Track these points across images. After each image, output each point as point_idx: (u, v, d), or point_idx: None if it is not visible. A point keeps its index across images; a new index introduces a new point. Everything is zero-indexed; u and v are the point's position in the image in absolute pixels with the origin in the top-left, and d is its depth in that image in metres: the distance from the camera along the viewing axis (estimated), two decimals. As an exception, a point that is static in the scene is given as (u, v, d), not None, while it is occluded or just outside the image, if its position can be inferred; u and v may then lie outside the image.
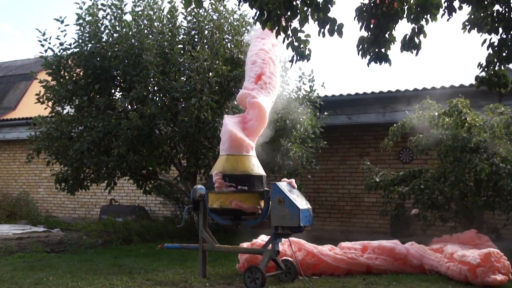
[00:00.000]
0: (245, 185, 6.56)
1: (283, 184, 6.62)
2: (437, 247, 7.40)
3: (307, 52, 5.05)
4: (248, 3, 4.70)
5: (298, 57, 5.08)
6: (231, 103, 9.53)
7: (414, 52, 5.15)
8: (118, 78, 10.19)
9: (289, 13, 4.74)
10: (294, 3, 4.76)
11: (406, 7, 5.04)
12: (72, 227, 13.51)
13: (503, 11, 5.11)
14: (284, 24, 4.86)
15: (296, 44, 5.01)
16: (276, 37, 5.01)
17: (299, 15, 4.85)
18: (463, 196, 8.41)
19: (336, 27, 4.84)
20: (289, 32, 4.93)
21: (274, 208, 6.50)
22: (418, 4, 4.98)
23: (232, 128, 6.81)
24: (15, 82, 20.43)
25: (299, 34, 5.02)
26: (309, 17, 4.87)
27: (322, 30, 4.88)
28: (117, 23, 10.20)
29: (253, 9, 4.77)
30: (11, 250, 9.46)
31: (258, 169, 6.81)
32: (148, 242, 10.22)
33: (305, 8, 4.82)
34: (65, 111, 10.48)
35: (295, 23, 5.03)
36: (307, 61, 5.06)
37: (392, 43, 5.25)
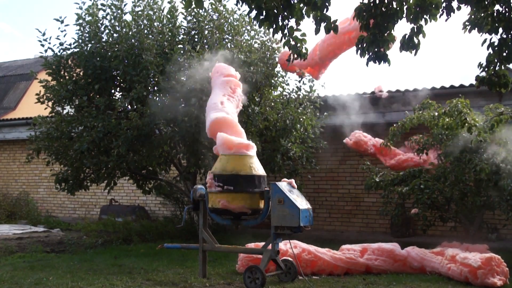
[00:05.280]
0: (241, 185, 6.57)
1: (283, 184, 6.61)
2: (438, 250, 7.44)
3: (303, 51, 5.05)
4: (245, 1, 4.69)
5: (295, 56, 5.07)
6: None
7: (413, 52, 5.14)
8: (118, 78, 10.18)
9: (286, 12, 4.73)
10: (292, 1, 4.75)
11: (405, 7, 5.04)
12: (72, 227, 13.51)
13: (503, 11, 5.09)
14: (281, 23, 4.85)
15: (292, 43, 5.01)
16: (273, 35, 5.00)
17: (295, 14, 4.84)
18: (463, 196, 8.40)
19: (332, 25, 4.83)
20: (286, 31, 4.91)
21: (274, 208, 6.50)
22: (417, 4, 4.97)
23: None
24: (15, 82, 20.42)
25: (295, 33, 5.01)
26: (305, 15, 4.85)
27: (319, 28, 4.87)
28: (117, 23, 10.20)
29: (251, 8, 4.75)
30: (11, 250, 9.46)
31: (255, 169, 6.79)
32: (148, 242, 10.22)
33: (301, 5, 4.81)
34: (65, 111, 10.48)
35: (291, 22, 5.03)
36: (304, 60, 5.05)
37: (391, 43, 5.25)
